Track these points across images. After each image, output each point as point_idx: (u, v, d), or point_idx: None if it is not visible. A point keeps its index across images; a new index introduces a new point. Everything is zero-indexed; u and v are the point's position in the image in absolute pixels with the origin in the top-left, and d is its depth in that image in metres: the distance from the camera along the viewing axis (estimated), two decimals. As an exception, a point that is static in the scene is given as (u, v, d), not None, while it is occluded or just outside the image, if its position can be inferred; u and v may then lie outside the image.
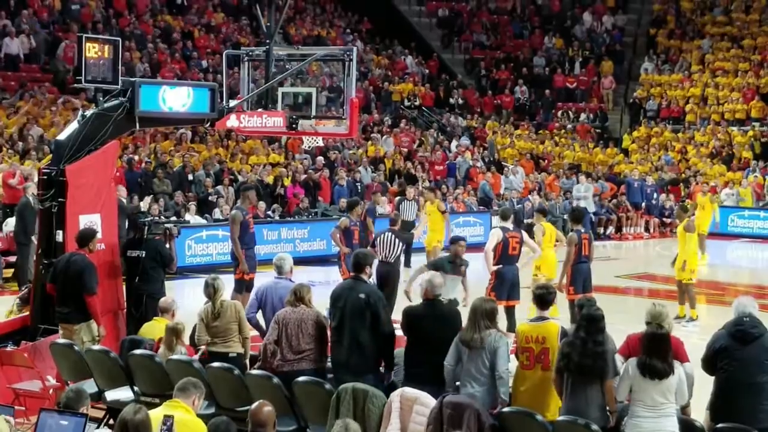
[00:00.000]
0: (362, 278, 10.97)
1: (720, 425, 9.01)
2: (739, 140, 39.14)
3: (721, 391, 9.43)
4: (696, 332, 17.25)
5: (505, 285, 15.85)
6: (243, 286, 17.31)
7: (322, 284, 19.15)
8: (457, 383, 9.98)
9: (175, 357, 11.24)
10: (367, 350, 10.62)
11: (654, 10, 47.54)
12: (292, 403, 10.35)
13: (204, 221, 25.53)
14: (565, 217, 27.63)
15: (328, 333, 11.04)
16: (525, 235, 16.90)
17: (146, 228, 14.08)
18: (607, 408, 9.31)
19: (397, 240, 16.97)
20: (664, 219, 34.69)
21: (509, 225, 16.44)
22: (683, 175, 37.61)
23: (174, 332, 11.62)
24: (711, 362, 9.54)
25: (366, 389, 9.76)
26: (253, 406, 7.99)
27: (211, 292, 11.74)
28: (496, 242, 15.99)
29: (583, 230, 16.66)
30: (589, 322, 9.41)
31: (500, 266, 15.90)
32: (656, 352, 9.00)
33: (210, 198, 26.76)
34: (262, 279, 17.96)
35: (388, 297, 14.32)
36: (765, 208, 34.42)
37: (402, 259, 18.14)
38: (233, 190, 27.41)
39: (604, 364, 9.23)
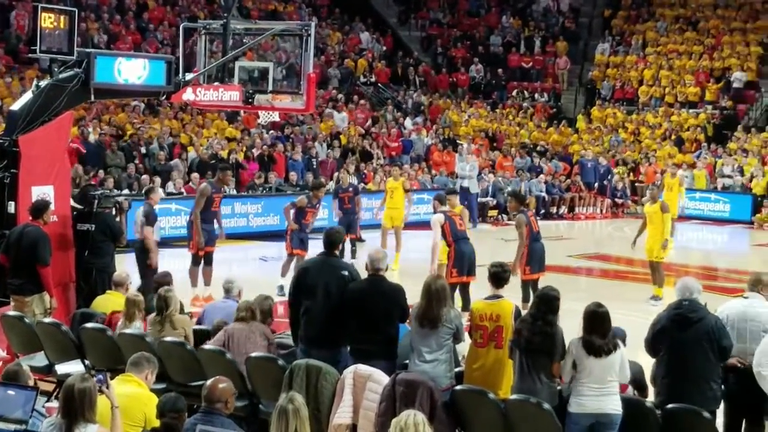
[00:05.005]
0: (336, 255, 10.88)
1: (671, 405, 9.09)
2: (692, 123, 39.46)
3: (664, 375, 9.50)
4: (655, 311, 17.40)
5: (465, 260, 15.99)
6: (200, 260, 17.40)
7: (276, 259, 19.19)
8: (406, 361, 10.02)
9: (127, 331, 11.18)
10: (342, 326, 10.54)
11: (610, -9, 47.81)
12: (244, 379, 10.34)
13: (160, 194, 25.42)
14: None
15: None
16: None
17: (96, 201, 13.97)
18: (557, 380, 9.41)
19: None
20: (617, 200, 34.97)
21: (446, 208, 16.59)
22: (638, 157, 37.88)
23: (134, 304, 11.49)
24: (651, 344, 9.66)
25: (319, 366, 9.77)
26: (209, 382, 7.97)
27: (162, 306, 11.34)
28: (440, 226, 16.12)
29: (526, 209, 16.85)
30: (542, 301, 9.49)
31: (458, 243, 16.01)
32: (596, 329, 9.07)
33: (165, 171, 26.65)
34: (221, 254, 18.08)
35: None
36: (716, 191, 34.70)
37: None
38: (187, 164, 27.40)
39: (552, 345, 9.29)
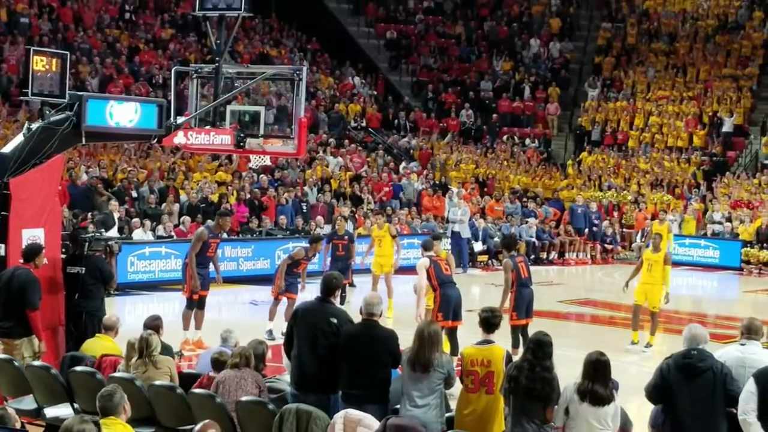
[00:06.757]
0: (331, 301, 10.77)
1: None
2: (681, 168, 39.58)
3: (672, 425, 9.28)
4: (645, 358, 17.41)
5: (450, 305, 15.93)
6: (194, 304, 17.33)
7: (266, 303, 19.11)
8: (396, 406, 9.96)
9: (116, 375, 11.10)
10: (333, 371, 10.46)
11: (600, 37, 48.06)
12: (234, 424, 10.27)
13: (150, 237, 25.40)
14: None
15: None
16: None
17: (87, 244, 13.90)
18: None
19: None
20: (606, 245, 34.99)
21: (432, 253, 16.59)
22: (621, 198, 38.02)
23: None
24: (656, 392, 9.42)
25: (309, 410, 9.69)
26: (197, 427, 7.90)
27: (143, 347, 11.21)
28: (425, 271, 16.12)
29: (516, 254, 16.82)
30: (537, 346, 9.43)
31: (443, 287, 15.99)
32: (599, 378, 9.05)
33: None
34: (211, 298, 18.02)
35: None
36: (705, 237, 34.75)
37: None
38: (178, 206, 27.38)
39: (551, 390, 9.26)
